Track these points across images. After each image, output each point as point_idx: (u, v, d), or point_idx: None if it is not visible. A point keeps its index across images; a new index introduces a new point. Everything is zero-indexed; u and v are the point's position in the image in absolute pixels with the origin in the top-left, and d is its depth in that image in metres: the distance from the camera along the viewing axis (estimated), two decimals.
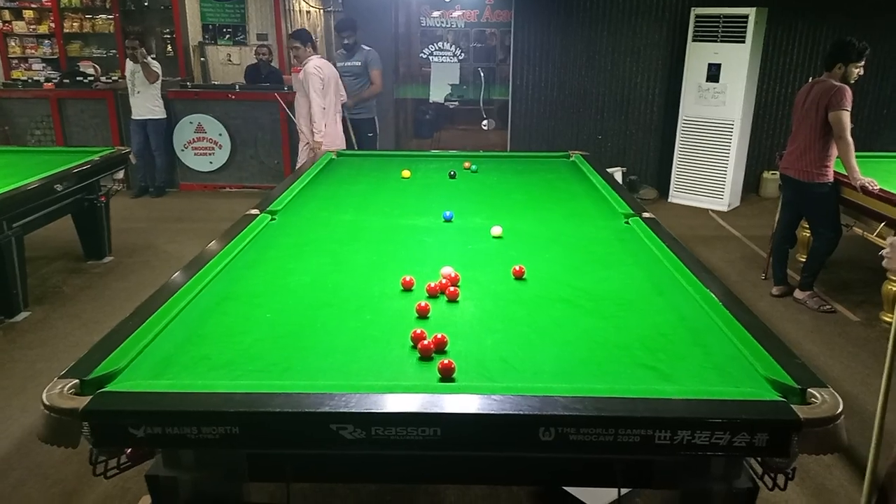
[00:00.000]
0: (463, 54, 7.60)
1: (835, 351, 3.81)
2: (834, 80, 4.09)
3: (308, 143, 5.47)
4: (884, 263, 1.61)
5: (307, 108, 5.36)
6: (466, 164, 4.21)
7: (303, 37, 5.51)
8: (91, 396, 1.50)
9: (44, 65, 8.71)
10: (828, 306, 4.33)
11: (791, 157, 4.32)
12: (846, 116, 3.98)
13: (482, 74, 7.74)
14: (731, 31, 6.28)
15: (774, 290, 4.57)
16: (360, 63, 6.01)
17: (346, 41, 6.01)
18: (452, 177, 3.94)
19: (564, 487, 2.32)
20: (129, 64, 6.61)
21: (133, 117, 6.76)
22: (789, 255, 4.70)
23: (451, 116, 8.22)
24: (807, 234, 4.99)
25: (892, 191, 3.94)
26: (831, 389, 1.53)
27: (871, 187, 3.98)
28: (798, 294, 4.44)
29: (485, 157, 4.65)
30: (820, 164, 4.16)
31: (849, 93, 4.00)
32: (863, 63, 4.11)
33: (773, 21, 6.51)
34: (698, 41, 6.48)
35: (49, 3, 8.62)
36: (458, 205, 3.26)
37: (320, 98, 5.32)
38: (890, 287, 4.01)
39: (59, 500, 2.58)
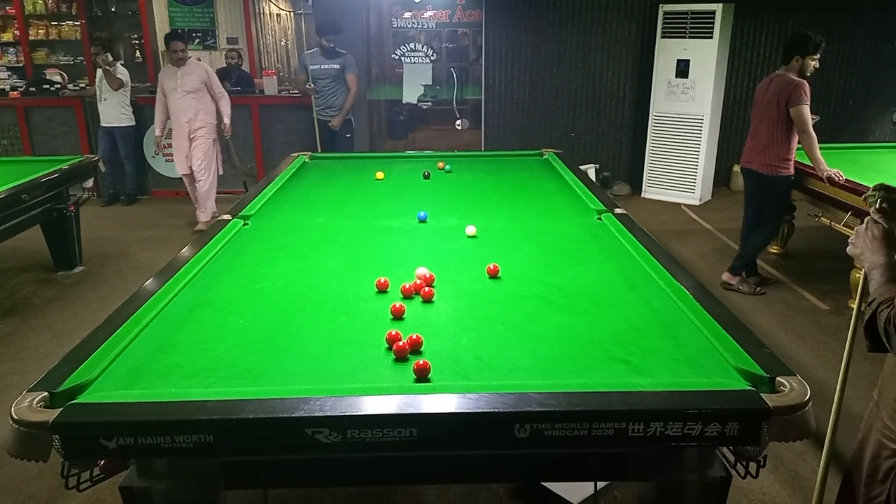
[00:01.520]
0: (435, 55, 7.60)
1: (806, 340, 3.88)
2: (792, 73, 4.18)
3: (199, 128, 5.90)
4: (847, 250, 1.65)
5: (199, 104, 5.84)
6: (440, 165, 4.21)
7: (185, 39, 6.04)
8: (61, 409, 1.47)
9: (9, 73, 8.53)
10: (761, 289, 4.48)
11: (753, 152, 4.40)
12: (806, 110, 4.08)
13: (455, 74, 7.75)
14: (699, 27, 6.37)
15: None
16: (337, 66, 6.04)
17: (330, 44, 6.02)
18: (426, 177, 3.94)
19: (542, 483, 2.34)
20: (98, 70, 6.52)
21: (101, 124, 6.66)
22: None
23: (425, 117, 8.21)
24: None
25: (857, 181, 4.03)
26: (799, 377, 1.56)
27: (837, 178, 4.06)
28: (728, 278, 4.54)
29: (459, 157, 4.66)
30: (783, 157, 4.26)
31: (807, 87, 4.11)
32: (818, 55, 4.21)
33: (739, 16, 6.61)
34: (667, 37, 6.56)
35: (13, 11, 8.46)
36: (433, 205, 3.26)
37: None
38: (857, 275, 4.09)
39: None
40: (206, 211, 5.96)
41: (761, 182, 4.38)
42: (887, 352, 1.46)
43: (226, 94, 6.01)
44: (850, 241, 1.66)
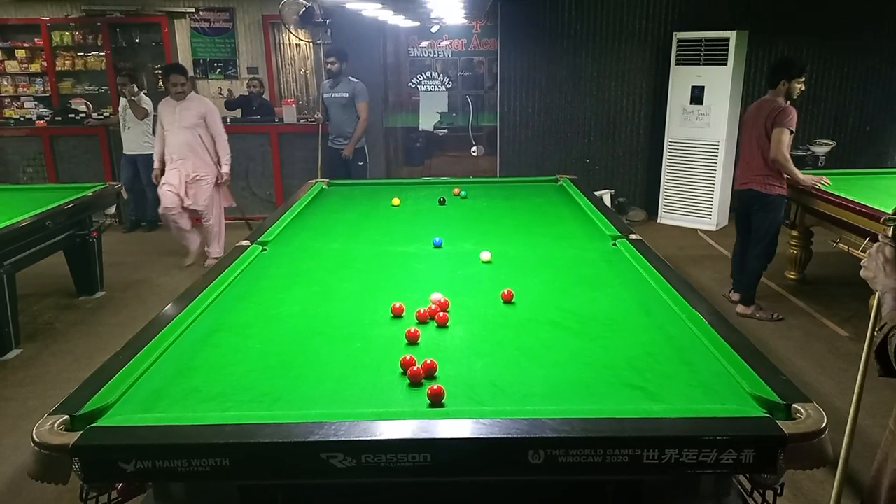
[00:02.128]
0: (451, 83, 7.71)
1: (825, 367, 3.82)
2: (779, 97, 4.27)
3: (196, 175, 5.57)
4: (861, 273, 1.64)
5: (196, 141, 5.49)
6: (456, 191, 4.25)
7: (186, 73, 5.78)
8: (81, 432, 1.50)
9: (36, 102, 8.78)
10: (778, 315, 4.46)
11: (749, 173, 4.45)
12: (786, 135, 4.18)
13: (470, 102, 7.84)
14: (713, 54, 6.40)
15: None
16: (346, 94, 6.08)
17: (328, 66, 6.09)
18: (442, 203, 3.97)
19: None
20: (122, 99, 6.68)
21: (124, 152, 6.80)
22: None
23: (441, 144, 8.30)
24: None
25: (875, 206, 3.99)
26: (815, 404, 1.55)
27: (818, 184, 4.23)
28: (742, 310, 4.51)
29: (474, 183, 4.69)
30: (777, 177, 4.33)
31: (794, 113, 4.19)
32: (804, 79, 4.28)
33: (753, 43, 6.64)
34: (681, 65, 6.60)
35: (41, 43, 8.72)
36: (448, 231, 3.29)
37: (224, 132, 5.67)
38: (875, 300, 4.05)
39: None
40: (218, 245, 5.78)
41: (761, 201, 4.40)
42: None
43: (226, 137, 5.65)
44: (862, 264, 1.65)
